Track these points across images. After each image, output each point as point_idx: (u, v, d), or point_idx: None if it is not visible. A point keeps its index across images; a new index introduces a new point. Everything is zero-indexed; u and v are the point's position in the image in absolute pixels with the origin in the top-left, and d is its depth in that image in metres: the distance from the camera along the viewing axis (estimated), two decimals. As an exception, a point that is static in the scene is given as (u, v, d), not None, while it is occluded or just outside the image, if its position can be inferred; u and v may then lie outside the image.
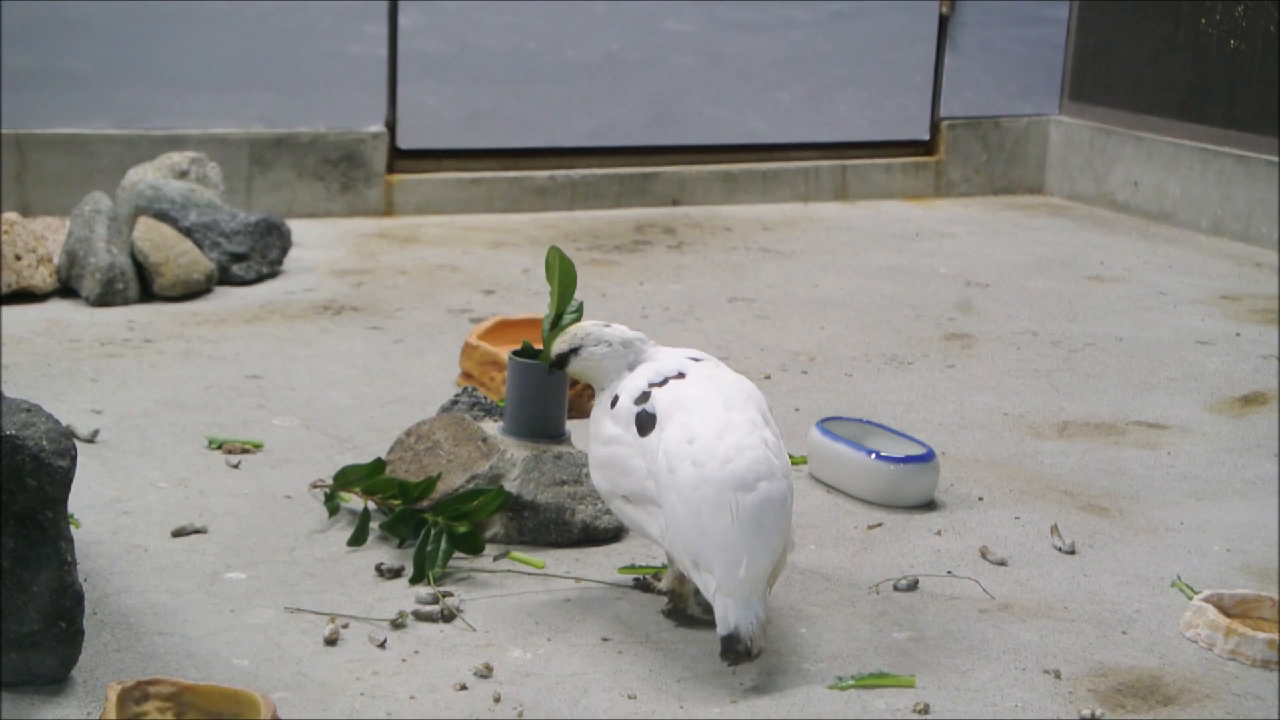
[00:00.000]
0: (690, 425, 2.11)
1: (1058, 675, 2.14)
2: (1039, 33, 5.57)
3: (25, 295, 3.67)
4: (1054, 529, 2.62)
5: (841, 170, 5.40)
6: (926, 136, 5.53)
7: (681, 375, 2.19)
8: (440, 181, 4.89)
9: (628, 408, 2.18)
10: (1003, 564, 2.50)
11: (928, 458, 2.74)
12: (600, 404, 2.24)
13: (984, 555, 2.53)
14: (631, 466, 2.15)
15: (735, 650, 2.02)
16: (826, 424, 2.86)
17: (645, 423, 2.15)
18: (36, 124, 4.35)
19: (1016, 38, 5.55)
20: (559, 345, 2.28)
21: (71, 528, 2.03)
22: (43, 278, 3.69)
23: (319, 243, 4.40)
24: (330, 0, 4.67)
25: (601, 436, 2.21)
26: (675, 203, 5.17)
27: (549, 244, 4.44)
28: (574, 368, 2.27)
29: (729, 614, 2.03)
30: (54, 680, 1.97)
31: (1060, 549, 2.56)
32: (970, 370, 3.54)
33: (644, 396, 2.17)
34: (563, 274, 2.69)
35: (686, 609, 2.25)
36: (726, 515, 2.05)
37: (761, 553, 2.05)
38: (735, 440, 2.10)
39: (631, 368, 2.23)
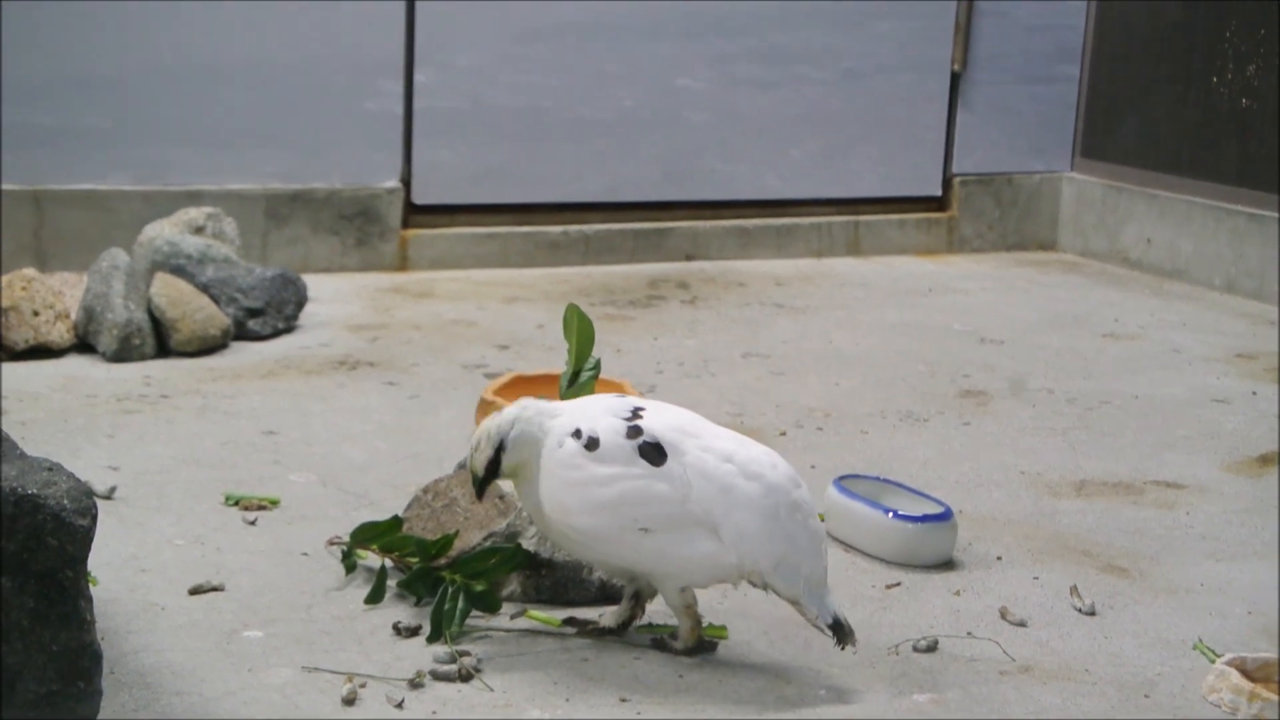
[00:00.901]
0: (711, 445, 2.23)
1: (1080, 739, 2.13)
2: (1051, 90, 5.60)
3: (43, 351, 3.69)
4: (1073, 589, 2.60)
5: (854, 226, 5.42)
6: (939, 193, 5.55)
7: (642, 409, 2.26)
8: (455, 236, 4.91)
9: (619, 444, 2.21)
10: (1022, 625, 2.49)
11: (946, 516, 2.73)
12: (562, 461, 2.22)
13: (1003, 616, 2.51)
14: (653, 494, 2.20)
15: (845, 632, 2.23)
16: (843, 482, 2.85)
17: (652, 453, 2.21)
18: (55, 180, 4.39)
19: (1028, 95, 5.58)
20: (479, 458, 2.25)
21: (90, 586, 2.02)
22: (60, 334, 3.70)
23: (334, 298, 4.41)
24: (346, 57, 4.71)
25: (596, 479, 2.21)
26: (689, 258, 5.18)
27: (563, 299, 4.50)
28: (508, 461, 2.25)
29: (825, 603, 2.24)
30: (72, 741, 1.96)
31: (1080, 610, 2.54)
32: (986, 428, 3.53)
33: (634, 431, 2.22)
34: (580, 331, 2.70)
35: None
36: (799, 515, 2.23)
37: (824, 543, 2.27)
38: (760, 449, 2.27)
39: (543, 430, 2.24)
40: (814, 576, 2.23)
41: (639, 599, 2.36)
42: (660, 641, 2.35)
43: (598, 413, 2.26)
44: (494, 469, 2.27)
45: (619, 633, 2.36)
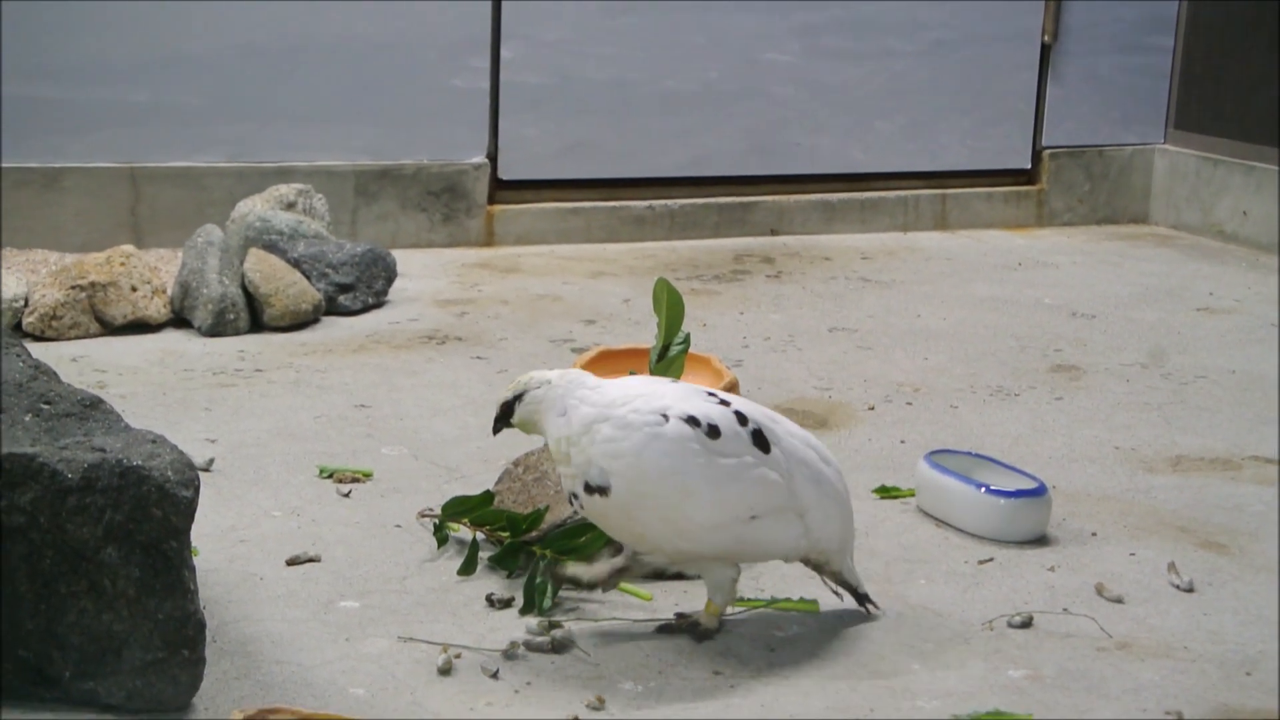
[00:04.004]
0: (791, 431, 2.27)
1: (1180, 717, 2.10)
2: (1144, 61, 5.50)
3: (141, 326, 3.75)
4: (1171, 566, 2.57)
5: (941, 199, 5.36)
6: (1028, 165, 5.48)
7: (714, 393, 2.25)
8: (540, 212, 4.92)
9: (737, 431, 2.19)
10: (1119, 601, 2.46)
11: (1039, 492, 2.70)
12: (677, 447, 2.15)
13: (1099, 592, 2.48)
14: (769, 482, 2.21)
15: (870, 599, 2.38)
16: (935, 457, 2.83)
17: (762, 440, 2.21)
18: (150, 158, 4.45)
19: (1121, 66, 5.49)
20: (503, 394, 2.25)
21: (192, 556, 2.06)
22: (157, 308, 3.77)
23: (422, 273, 4.44)
24: (434, 34, 4.73)
25: (725, 470, 2.18)
26: (774, 232, 5.16)
27: (648, 273, 4.50)
28: (519, 415, 2.24)
29: (857, 573, 2.37)
30: (178, 708, 2.00)
31: (1178, 587, 2.51)
32: (1079, 403, 3.49)
33: (742, 418, 2.20)
34: (670, 305, 2.70)
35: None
36: (849, 496, 2.33)
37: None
38: (812, 435, 2.33)
39: (563, 412, 2.19)
40: (851, 551, 2.36)
41: (623, 573, 2.32)
42: (681, 625, 2.30)
43: (693, 397, 2.21)
44: (507, 414, 2.25)
45: (597, 588, 2.33)
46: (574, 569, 2.32)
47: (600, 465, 2.17)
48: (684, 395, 2.22)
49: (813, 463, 2.26)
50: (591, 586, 2.32)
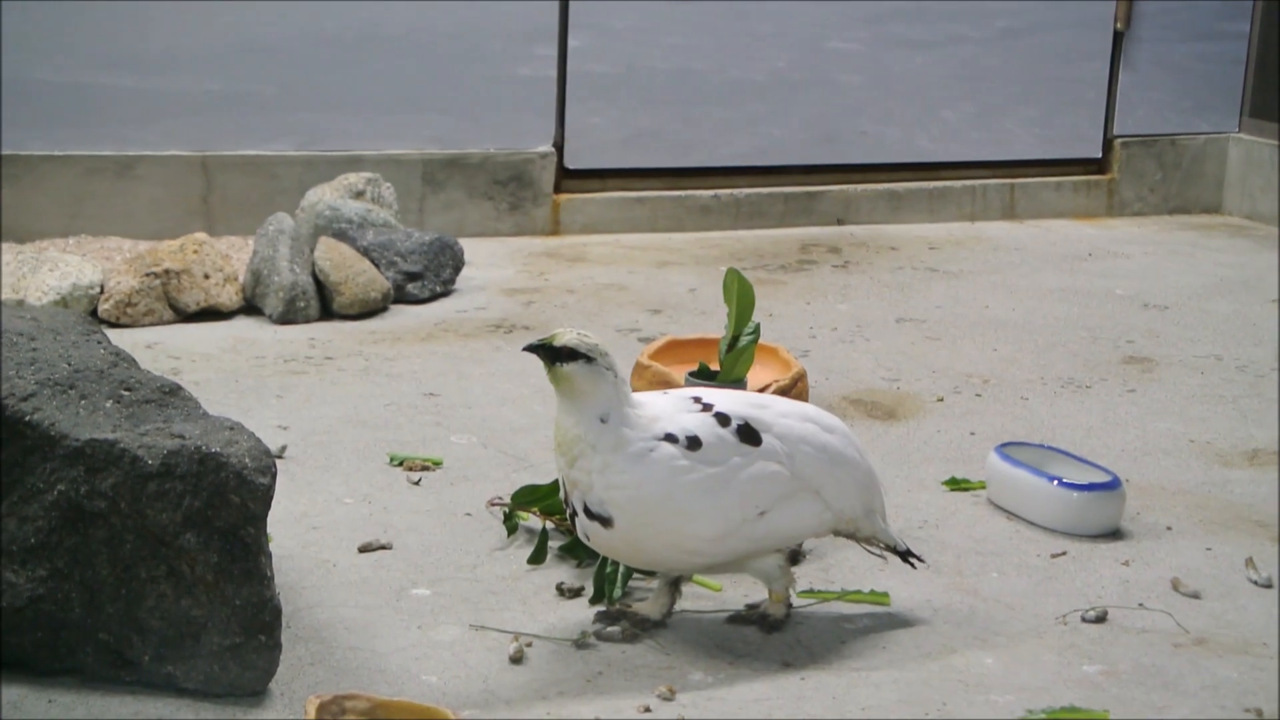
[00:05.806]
0: (784, 410, 2.24)
1: (1259, 715, 2.07)
2: (1218, 48, 5.42)
3: (213, 313, 3.79)
4: (1249, 561, 2.53)
5: (1010, 189, 5.31)
6: (1099, 154, 5.41)
7: (700, 397, 2.22)
8: (606, 201, 4.92)
9: (719, 434, 2.16)
10: (1196, 596, 2.43)
11: (1113, 485, 2.68)
12: (667, 466, 2.11)
13: (1175, 587, 2.46)
14: (768, 475, 2.18)
15: (913, 554, 2.36)
16: (1006, 449, 2.81)
17: (749, 434, 2.18)
18: (223, 147, 4.50)
19: (1194, 53, 5.40)
20: (568, 338, 2.13)
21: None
22: (229, 296, 3.80)
23: (489, 262, 4.46)
24: (502, 24, 4.74)
25: (714, 479, 2.15)
26: (840, 222, 5.13)
27: (713, 263, 4.50)
28: (571, 371, 2.12)
29: (892, 532, 2.35)
30: (254, 692, 2.02)
31: (1256, 582, 2.48)
32: (1152, 395, 3.45)
33: (723, 419, 2.17)
34: (741, 295, 2.70)
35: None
36: (865, 456, 2.30)
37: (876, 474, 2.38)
38: (810, 405, 2.34)
39: (606, 416, 2.12)
40: (882, 510, 2.33)
41: (677, 584, 2.29)
42: (751, 615, 2.30)
43: (673, 411, 2.18)
44: (563, 356, 2.11)
45: (663, 623, 2.28)
46: (643, 609, 2.29)
47: (601, 495, 2.14)
48: (672, 409, 2.18)
49: (814, 437, 2.22)
50: (661, 621, 2.28)
